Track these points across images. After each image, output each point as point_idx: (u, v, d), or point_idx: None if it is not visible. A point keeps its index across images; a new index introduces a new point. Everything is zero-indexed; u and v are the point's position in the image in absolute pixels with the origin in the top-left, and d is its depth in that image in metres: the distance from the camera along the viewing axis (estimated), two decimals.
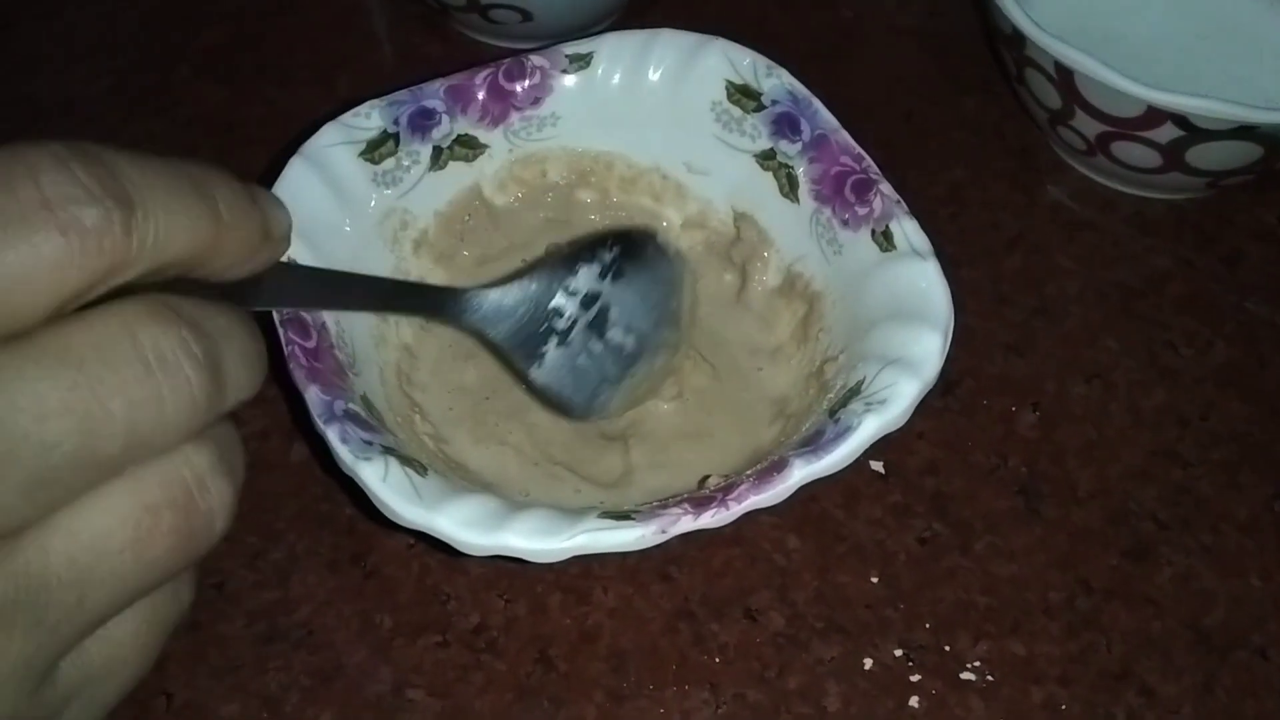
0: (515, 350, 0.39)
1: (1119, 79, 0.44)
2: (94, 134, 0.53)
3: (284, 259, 0.34)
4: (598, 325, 0.40)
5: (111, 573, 0.25)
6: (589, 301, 0.39)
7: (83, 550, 0.25)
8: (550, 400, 0.40)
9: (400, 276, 0.43)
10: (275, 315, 0.36)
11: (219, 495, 0.27)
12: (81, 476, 0.24)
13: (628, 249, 0.40)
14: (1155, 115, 0.45)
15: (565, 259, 0.40)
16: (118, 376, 0.24)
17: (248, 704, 0.38)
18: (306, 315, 0.37)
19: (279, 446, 0.43)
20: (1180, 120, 0.44)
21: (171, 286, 0.26)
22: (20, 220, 0.22)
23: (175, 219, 0.25)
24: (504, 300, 0.39)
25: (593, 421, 0.41)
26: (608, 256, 0.40)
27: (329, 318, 0.38)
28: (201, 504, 0.26)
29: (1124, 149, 0.48)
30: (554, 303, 0.39)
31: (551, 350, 0.39)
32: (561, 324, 0.39)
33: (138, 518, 0.25)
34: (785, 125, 0.42)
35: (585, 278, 0.39)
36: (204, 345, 0.26)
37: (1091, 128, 0.47)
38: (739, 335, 0.44)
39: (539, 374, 0.39)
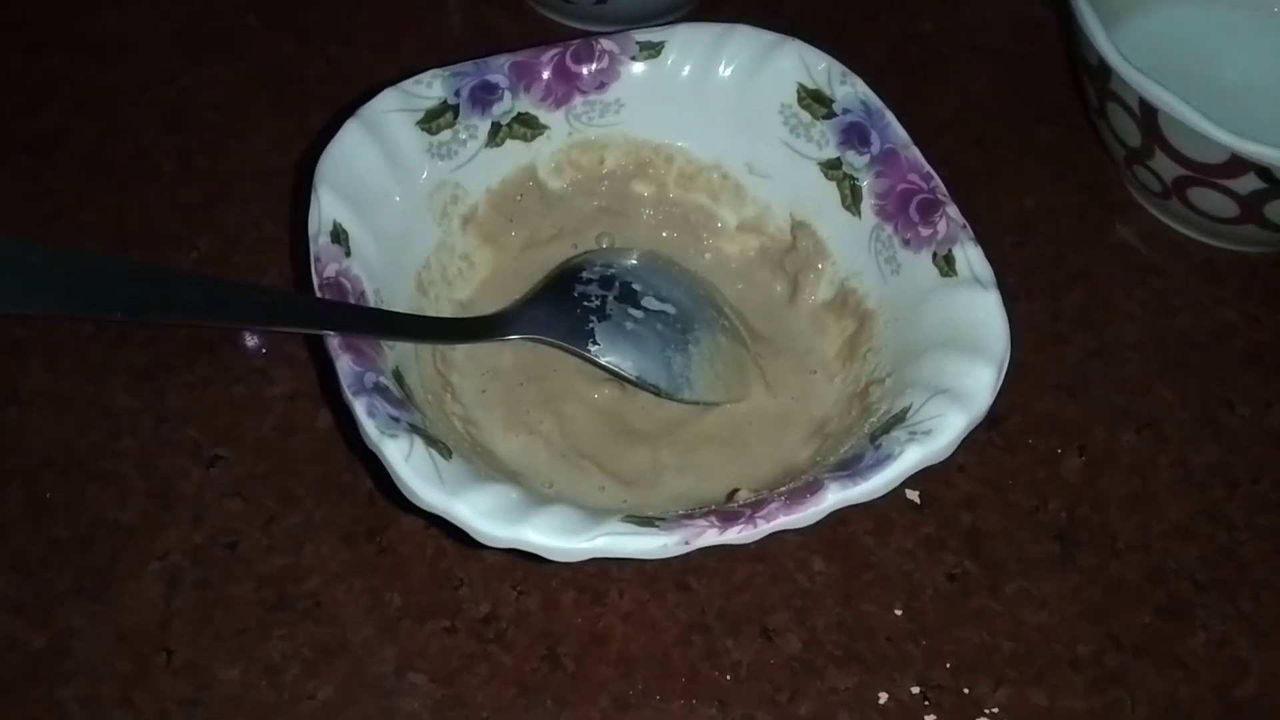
0: (568, 340, 0.41)
1: (1205, 123, 0.42)
2: (154, 77, 0.52)
3: (335, 241, 0.36)
4: (628, 297, 0.42)
5: None
6: (607, 283, 0.42)
7: None
8: (633, 379, 0.41)
9: (446, 253, 0.42)
10: (315, 279, 0.36)
11: None
12: None
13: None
14: (1238, 164, 0.43)
15: (568, 265, 0.43)
16: None
17: (248, 669, 0.37)
18: (346, 283, 0.36)
19: (306, 411, 0.42)
20: (1263, 172, 0.43)
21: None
22: None
23: None
24: (534, 308, 0.42)
25: (689, 402, 0.41)
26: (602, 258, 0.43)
27: (369, 288, 0.37)
28: None
29: (1201, 195, 0.46)
30: (576, 292, 0.41)
31: (597, 327, 0.41)
32: (592, 304, 0.41)
33: None
34: (855, 136, 0.41)
35: (592, 270, 0.42)
36: None
37: (1170, 170, 0.46)
38: (782, 347, 0.43)
39: (599, 352, 0.41)
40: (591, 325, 0.41)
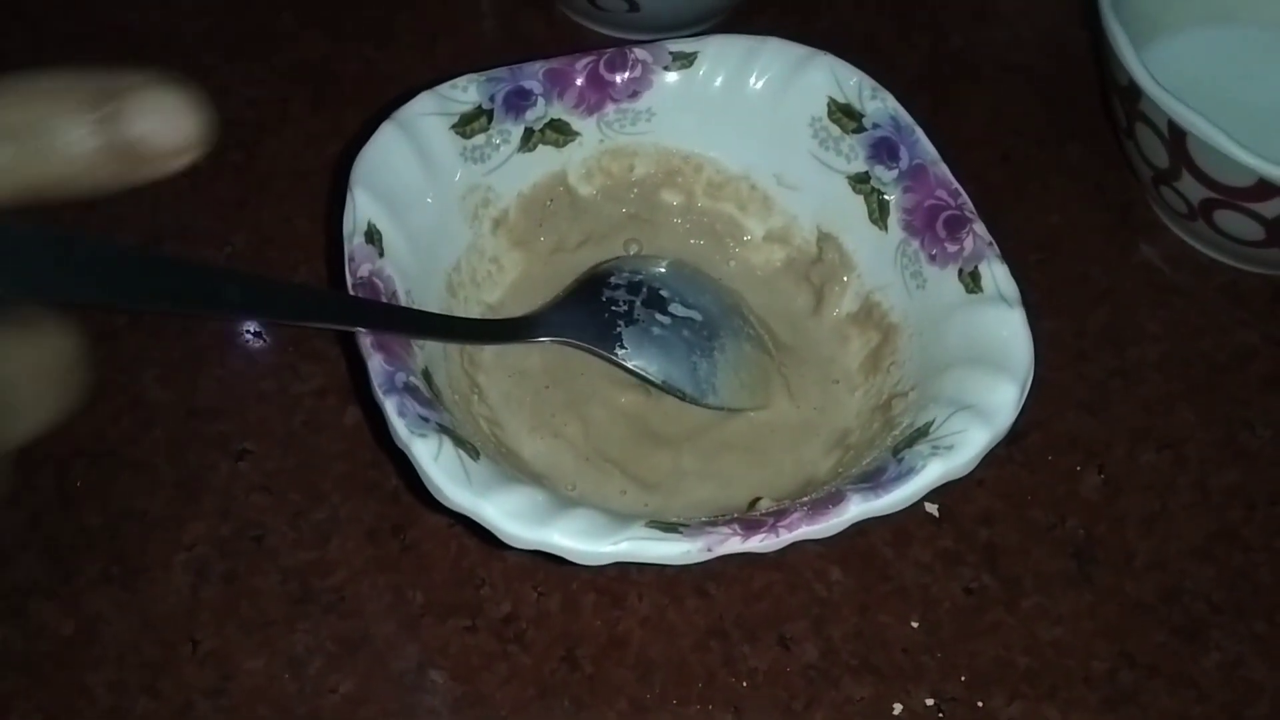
0: (595, 343, 0.41)
1: (1234, 147, 0.43)
2: (189, 72, 0.53)
3: (369, 242, 0.36)
4: (656, 303, 0.42)
5: None
6: (635, 288, 0.42)
7: None
8: (659, 383, 0.41)
9: (476, 255, 0.42)
10: (349, 278, 0.36)
11: None
12: None
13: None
14: (1265, 188, 0.43)
15: (597, 271, 0.43)
16: None
17: (272, 661, 0.38)
18: (380, 283, 0.37)
19: (334, 407, 0.43)
20: None
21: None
22: None
23: None
24: (563, 311, 0.42)
25: (714, 407, 0.42)
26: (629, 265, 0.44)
27: (401, 289, 0.37)
28: None
29: (1227, 218, 0.46)
30: (604, 296, 0.42)
31: (624, 331, 0.41)
32: (620, 309, 0.42)
33: None
34: (884, 150, 0.42)
35: (620, 276, 0.43)
36: None
37: (1196, 192, 0.46)
38: (806, 357, 0.44)
39: (626, 356, 0.41)
40: (619, 329, 0.41)
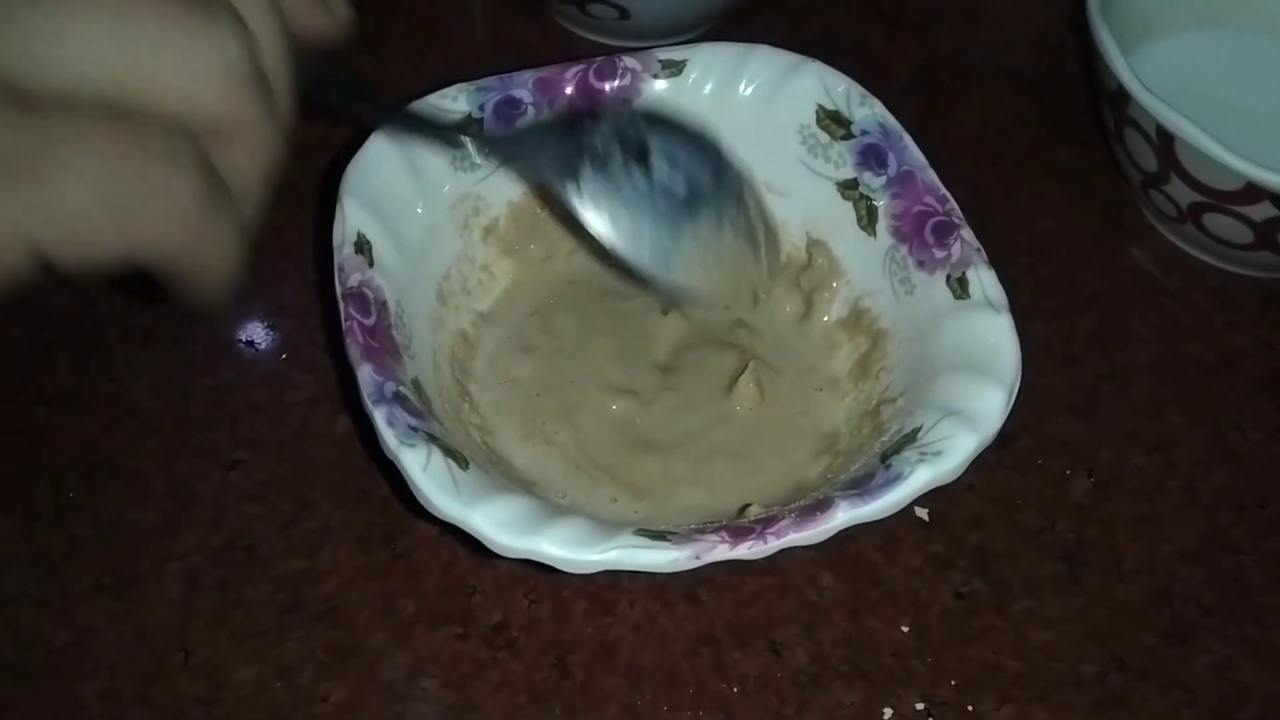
0: (550, 175, 0.38)
1: (1221, 151, 0.43)
2: None
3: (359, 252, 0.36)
4: (639, 158, 0.38)
5: None
6: (622, 137, 0.38)
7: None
8: (604, 244, 0.38)
9: (467, 264, 0.43)
10: (339, 288, 0.36)
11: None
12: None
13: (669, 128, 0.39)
14: (1253, 192, 0.43)
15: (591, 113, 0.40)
16: None
17: (263, 670, 0.38)
18: (369, 293, 0.37)
19: (325, 416, 0.43)
20: (1279, 200, 0.43)
21: None
22: None
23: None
24: (529, 135, 0.40)
25: (663, 286, 0.39)
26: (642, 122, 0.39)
27: (391, 298, 0.37)
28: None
29: (1216, 221, 0.46)
30: (585, 136, 0.38)
31: (587, 171, 0.37)
32: (598, 152, 0.38)
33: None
34: (872, 157, 0.42)
35: (614, 122, 0.38)
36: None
37: (1185, 196, 0.46)
38: (796, 363, 0.44)
39: (579, 202, 0.37)
40: (580, 168, 0.37)
